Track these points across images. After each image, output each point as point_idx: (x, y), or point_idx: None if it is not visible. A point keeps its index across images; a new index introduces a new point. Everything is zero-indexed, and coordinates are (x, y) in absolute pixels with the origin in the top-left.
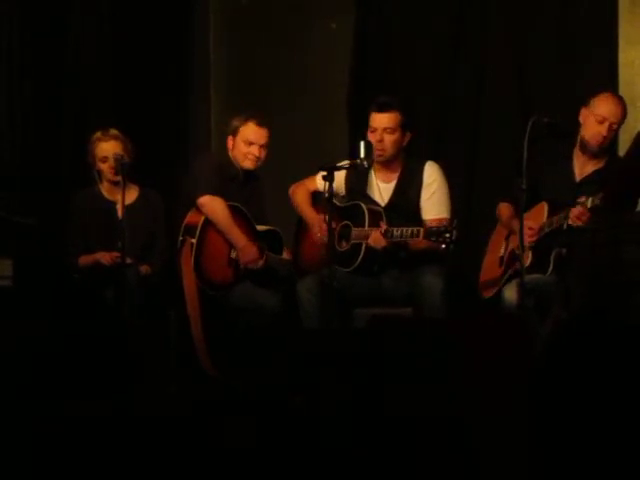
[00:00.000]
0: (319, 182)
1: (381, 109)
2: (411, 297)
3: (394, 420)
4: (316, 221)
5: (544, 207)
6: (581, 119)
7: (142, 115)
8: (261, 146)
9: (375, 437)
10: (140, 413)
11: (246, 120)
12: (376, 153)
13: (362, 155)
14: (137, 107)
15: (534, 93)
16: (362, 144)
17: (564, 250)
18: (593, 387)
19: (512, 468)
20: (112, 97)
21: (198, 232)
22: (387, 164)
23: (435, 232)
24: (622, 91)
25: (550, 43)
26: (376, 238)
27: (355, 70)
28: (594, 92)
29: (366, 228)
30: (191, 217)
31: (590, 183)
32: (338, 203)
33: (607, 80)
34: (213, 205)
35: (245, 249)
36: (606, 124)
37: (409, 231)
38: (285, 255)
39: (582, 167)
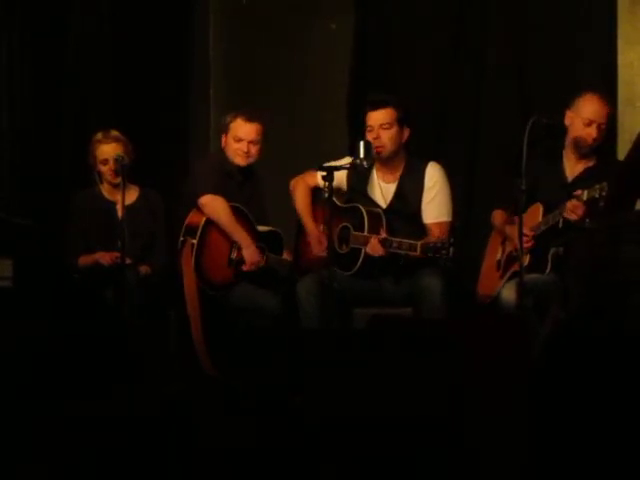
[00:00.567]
0: (320, 179)
1: (375, 107)
2: (411, 298)
3: (394, 420)
4: (315, 235)
5: (539, 208)
6: (567, 122)
7: (142, 115)
8: (250, 142)
9: (375, 437)
10: (140, 413)
11: (235, 116)
12: (375, 150)
13: (362, 155)
14: (137, 107)
15: (534, 93)
16: (361, 144)
17: (561, 249)
18: (592, 387)
19: (512, 468)
20: (112, 97)
21: (199, 232)
22: (388, 162)
23: (432, 249)
24: (621, 91)
25: (550, 43)
26: (374, 246)
27: (355, 70)
28: (577, 93)
29: (365, 234)
30: (192, 217)
31: (582, 181)
32: (338, 202)
33: (607, 80)
34: (214, 205)
35: (250, 248)
36: (594, 126)
37: (407, 245)
38: (285, 256)
39: (573, 167)
